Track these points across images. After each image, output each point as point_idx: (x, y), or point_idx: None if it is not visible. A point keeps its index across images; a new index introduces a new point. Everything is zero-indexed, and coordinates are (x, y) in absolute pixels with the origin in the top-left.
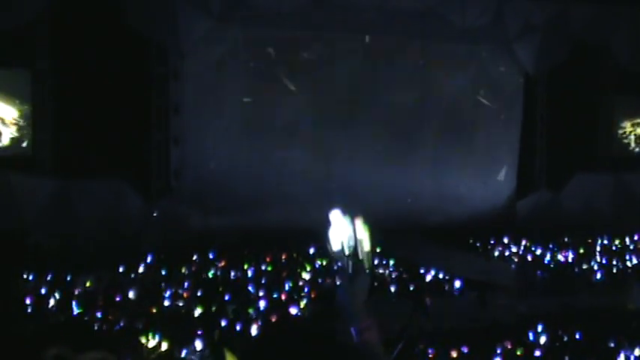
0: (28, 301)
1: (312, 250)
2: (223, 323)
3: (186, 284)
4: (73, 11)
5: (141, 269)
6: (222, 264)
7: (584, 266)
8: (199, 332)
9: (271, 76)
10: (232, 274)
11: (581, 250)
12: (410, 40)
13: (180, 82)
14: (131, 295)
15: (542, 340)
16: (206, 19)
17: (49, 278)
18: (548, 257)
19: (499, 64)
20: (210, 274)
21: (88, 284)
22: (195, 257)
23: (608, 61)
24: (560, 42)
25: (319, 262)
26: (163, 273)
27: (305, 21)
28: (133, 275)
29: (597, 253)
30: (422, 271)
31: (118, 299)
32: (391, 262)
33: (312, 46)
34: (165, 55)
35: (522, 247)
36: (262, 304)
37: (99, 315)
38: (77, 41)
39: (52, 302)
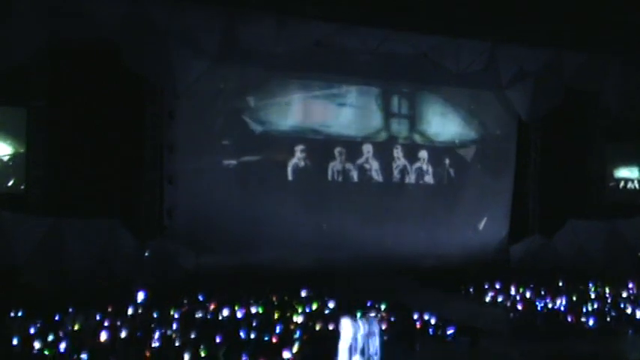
0: (15, 341)
1: (303, 293)
2: None
3: (175, 326)
4: (69, 51)
5: (132, 309)
6: (213, 306)
7: (577, 312)
8: None
9: (266, 117)
10: (223, 315)
11: (574, 296)
12: (403, 85)
13: (175, 122)
14: (122, 335)
15: None
16: (202, 59)
17: (38, 318)
18: (540, 303)
19: (492, 109)
20: (200, 316)
21: (76, 327)
22: (186, 298)
23: (601, 108)
24: (553, 88)
25: (310, 306)
26: (155, 315)
27: (301, 63)
28: (123, 315)
29: (590, 299)
30: (415, 316)
31: (108, 339)
32: (382, 307)
33: (308, 89)
34: (160, 95)
35: (515, 292)
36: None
37: (88, 356)
38: (73, 80)
39: (41, 342)
